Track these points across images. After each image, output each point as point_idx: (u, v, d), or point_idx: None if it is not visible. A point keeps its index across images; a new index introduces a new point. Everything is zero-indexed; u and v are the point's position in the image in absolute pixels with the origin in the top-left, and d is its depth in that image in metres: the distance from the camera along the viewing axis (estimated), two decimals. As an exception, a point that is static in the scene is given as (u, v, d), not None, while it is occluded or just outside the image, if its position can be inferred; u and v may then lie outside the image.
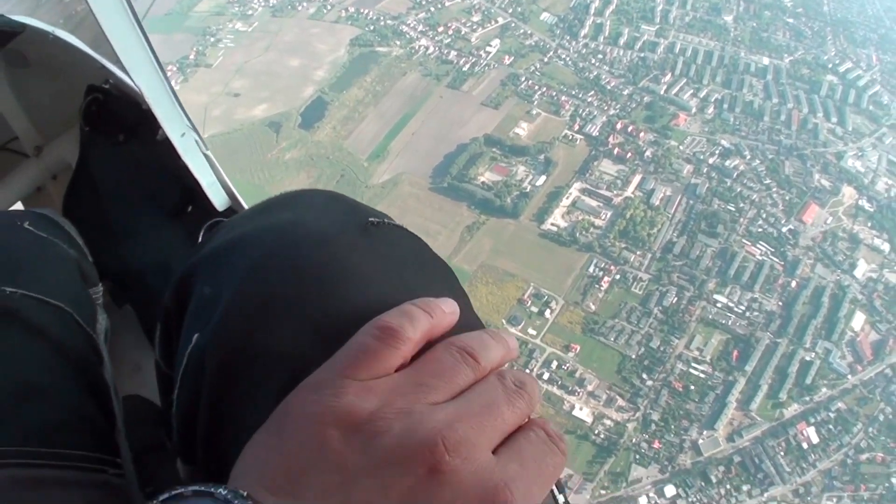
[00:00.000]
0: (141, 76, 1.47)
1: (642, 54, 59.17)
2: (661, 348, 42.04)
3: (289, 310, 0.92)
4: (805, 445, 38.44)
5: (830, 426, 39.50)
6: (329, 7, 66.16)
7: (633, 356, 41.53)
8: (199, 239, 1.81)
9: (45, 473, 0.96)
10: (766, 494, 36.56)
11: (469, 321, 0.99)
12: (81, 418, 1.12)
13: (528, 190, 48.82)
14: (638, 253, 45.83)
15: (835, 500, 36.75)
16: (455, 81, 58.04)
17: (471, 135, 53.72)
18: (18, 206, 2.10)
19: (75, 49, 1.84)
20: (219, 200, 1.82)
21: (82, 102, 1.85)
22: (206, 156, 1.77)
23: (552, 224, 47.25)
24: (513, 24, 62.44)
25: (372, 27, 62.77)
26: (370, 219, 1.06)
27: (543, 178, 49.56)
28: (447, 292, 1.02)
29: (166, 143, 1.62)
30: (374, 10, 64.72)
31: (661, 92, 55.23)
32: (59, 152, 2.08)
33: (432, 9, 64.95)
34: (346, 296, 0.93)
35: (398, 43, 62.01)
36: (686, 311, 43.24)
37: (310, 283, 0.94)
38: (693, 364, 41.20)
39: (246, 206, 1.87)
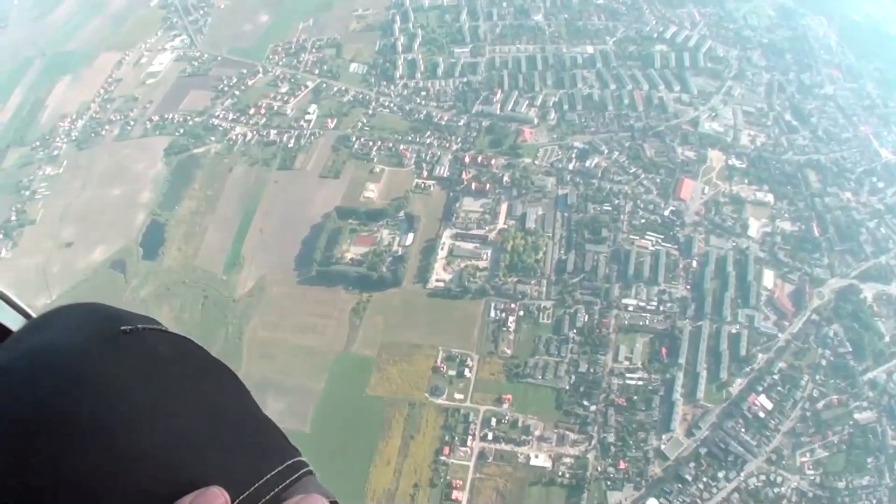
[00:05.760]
0: None
1: (465, 79, 57.62)
2: (591, 370, 40.30)
3: (39, 436, 1.13)
4: (762, 414, 37.89)
5: (779, 388, 38.73)
6: (132, 123, 62.04)
7: (567, 387, 39.98)
8: None
9: None
10: (742, 473, 36.28)
11: (249, 418, 1.38)
12: None
13: (399, 253, 46.82)
14: (533, 283, 44.10)
15: (808, 454, 36.74)
16: (285, 161, 55.36)
17: (321, 212, 50.65)
18: None
19: None
20: (11, 323, 1.95)
21: None
22: None
23: (437, 280, 45.35)
24: (324, 85, 59.81)
25: (181, 130, 58.69)
26: (122, 327, 1.26)
27: (411, 235, 47.22)
28: (227, 388, 1.37)
29: None
30: (177, 112, 60.65)
31: (497, 112, 53.96)
32: None
33: (236, 92, 61.54)
34: (91, 414, 1.15)
35: (213, 138, 58.41)
36: (601, 325, 41.78)
37: (55, 405, 1.12)
38: (628, 375, 40.11)
39: None
